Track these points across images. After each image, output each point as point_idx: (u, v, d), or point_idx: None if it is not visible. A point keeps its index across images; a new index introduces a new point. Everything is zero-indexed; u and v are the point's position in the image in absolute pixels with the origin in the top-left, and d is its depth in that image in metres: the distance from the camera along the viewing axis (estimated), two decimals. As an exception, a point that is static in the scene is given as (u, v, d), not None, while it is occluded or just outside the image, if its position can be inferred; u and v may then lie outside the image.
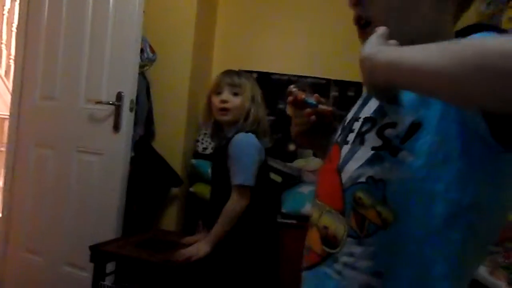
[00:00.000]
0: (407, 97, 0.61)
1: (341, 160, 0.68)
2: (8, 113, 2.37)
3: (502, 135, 0.51)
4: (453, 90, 0.45)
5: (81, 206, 2.04)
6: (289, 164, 2.68)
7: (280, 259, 1.63)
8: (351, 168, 0.64)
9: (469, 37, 0.52)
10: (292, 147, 2.83)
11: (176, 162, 2.38)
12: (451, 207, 0.56)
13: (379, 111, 0.66)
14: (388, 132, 0.61)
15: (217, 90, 1.61)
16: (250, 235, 1.58)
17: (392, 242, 0.59)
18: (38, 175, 2.19)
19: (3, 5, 4.27)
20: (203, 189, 2.30)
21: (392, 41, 0.59)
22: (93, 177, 2.02)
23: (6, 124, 2.47)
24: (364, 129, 0.66)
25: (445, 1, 0.66)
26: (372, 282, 0.60)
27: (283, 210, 2.37)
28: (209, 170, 1.81)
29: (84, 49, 2.08)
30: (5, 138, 2.59)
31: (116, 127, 1.96)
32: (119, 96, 1.96)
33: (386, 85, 0.55)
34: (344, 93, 2.75)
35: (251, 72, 2.84)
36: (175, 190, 2.44)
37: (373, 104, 0.68)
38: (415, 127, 0.59)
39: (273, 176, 2.59)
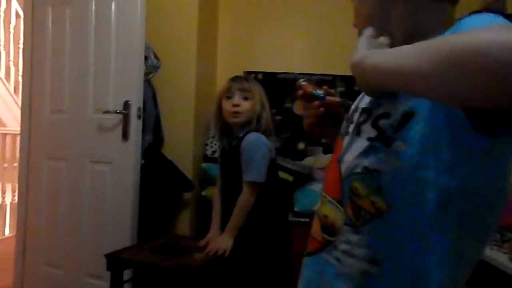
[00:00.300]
0: None
1: (341, 151, 0.70)
2: (19, 129, 2.41)
3: (484, 123, 0.52)
4: (433, 90, 0.46)
5: (96, 215, 2.06)
6: (299, 162, 2.67)
7: (293, 257, 1.64)
8: (349, 158, 0.67)
9: (450, 31, 0.56)
10: (301, 145, 2.82)
11: (186, 167, 2.39)
12: (442, 194, 0.57)
13: (374, 102, 0.67)
14: (382, 122, 0.63)
15: (227, 95, 1.72)
16: (264, 233, 1.66)
17: (386, 230, 0.61)
18: (51, 187, 2.21)
19: (9, 23, 4.34)
20: (214, 193, 2.30)
21: (383, 38, 0.62)
22: (106, 186, 2.04)
23: (18, 139, 2.51)
24: (361, 120, 0.68)
25: (424, 5, 0.69)
26: (370, 269, 0.61)
27: (296, 209, 2.37)
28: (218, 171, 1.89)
29: (90, 61, 2.10)
30: (18, 154, 2.63)
31: (125, 135, 1.98)
32: (126, 105, 1.97)
33: (377, 88, 0.58)
34: (351, 88, 2.73)
35: (256, 73, 2.85)
36: (187, 195, 2.45)
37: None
38: (408, 117, 0.60)
39: (284, 175, 2.59)
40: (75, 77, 2.15)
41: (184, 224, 2.45)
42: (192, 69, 2.45)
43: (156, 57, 2.28)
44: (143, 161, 2.11)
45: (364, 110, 0.69)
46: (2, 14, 4.26)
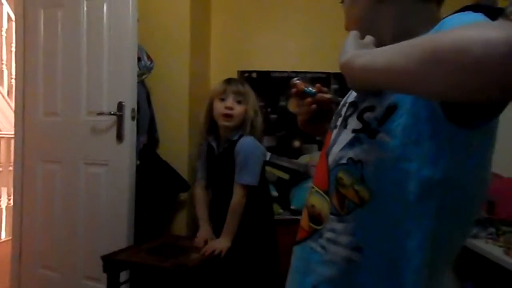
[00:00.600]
0: None
1: (329, 144, 0.73)
2: (13, 132, 2.40)
3: (461, 114, 0.54)
4: (417, 86, 0.48)
5: (92, 217, 2.05)
6: (294, 160, 2.67)
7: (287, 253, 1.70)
8: (335, 150, 0.69)
9: (434, 30, 0.59)
10: (296, 143, 2.83)
11: (182, 167, 2.38)
12: (423, 184, 0.59)
13: (359, 95, 0.70)
14: (367, 115, 0.65)
15: (221, 96, 1.73)
16: (256, 233, 1.70)
17: (369, 218, 0.63)
18: (46, 190, 2.21)
19: (1, 26, 4.32)
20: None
21: (368, 37, 0.65)
22: (101, 188, 2.04)
23: (13, 143, 2.50)
24: (348, 113, 0.71)
25: (411, 7, 0.71)
26: (353, 256, 0.64)
27: (292, 206, 2.37)
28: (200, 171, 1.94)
29: (82, 63, 2.09)
30: (12, 157, 2.62)
31: (119, 137, 1.98)
32: (120, 106, 1.97)
33: (365, 86, 0.61)
34: (344, 85, 2.72)
35: (250, 72, 2.85)
36: (183, 195, 2.44)
37: None
38: (391, 110, 0.62)
39: (280, 173, 2.60)
40: (68, 80, 2.14)
41: (180, 224, 2.44)
42: (185, 69, 2.45)
43: (149, 58, 2.28)
44: (138, 162, 2.10)
45: (351, 103, 0.71)
46: (-6, 18, 4.23)
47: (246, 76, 2.84)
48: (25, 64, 2.29)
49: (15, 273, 2.28)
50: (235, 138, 1.72)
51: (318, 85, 0.85)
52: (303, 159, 2.72)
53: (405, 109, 0.60)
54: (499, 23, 0.44)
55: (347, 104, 0.73)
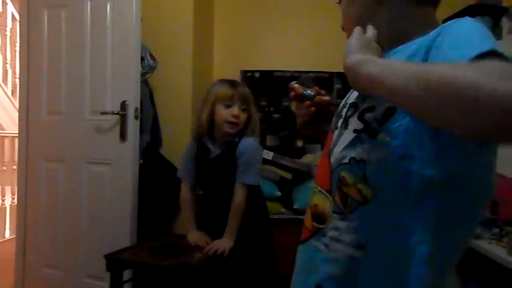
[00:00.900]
0: None
1: (331, 144, 0.74)
2: (17, 131, 2.41)
3: None
4: (416, 111, 0.52)
5: (95, 216, 2.06)
6: (297, 160, 2.67)
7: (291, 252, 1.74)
8: (337, 150, 0.71)
9: (433, 33, 0.61)
10: (299, 143, 2.83)
11: (185, 166, 2.38)
12: (425, 184, 0.61)
13: (360, 96, 0.71)
14: (368, 116, 0.67)
15: (227, 103, 1.69)
16: (257, 232, 1.72)
17: (372, 216, 0.65)
18: (50, 189, 2.22)
19: (5, 26, 4.34)
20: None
21: (370, 29, 0.68)
22: (104, 187, 2.04)
23: (17, 142, 2.51)
24: (348, 114, 0.72)
25: (407, 10, 0.72)
26: (355, 253, 0.66)
27: (295, 206, 2.37)
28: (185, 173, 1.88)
29: (86, 62, 2.10)
30: (16, 156, 2.63)
31: (123, 136, 1.98)
32: (124, 105, 1.98)
33: (366, 91, 0.63)
34: (347, 85, 2.72)
35: (253, 71, 2.85)
36: (186, 195, 2.45)
37: None
38: (392, 111, 0.63)
39: (283, 173, 2.59)
40: (72, 79, 2.15)
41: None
42: (188, 69, 2.45)
43: (152, 57, 2.28)
44: (141, 161, 2.11)
45: (352, 104, 0.72)
46: (-2, 17, 4.25)
47: (249, 76, 2.84)
48: (29, 64, 2.30)
49: (19, 271, 2.29)
50: (236, 140, 1.71)
51: (316, 87, 0.87)
52: (306, 158, 2.72)
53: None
54: (510, 70, 0.44)
55: (347, 105, 0.74)
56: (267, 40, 2.90)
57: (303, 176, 2.54)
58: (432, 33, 0.62)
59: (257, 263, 1.67)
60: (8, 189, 3.56)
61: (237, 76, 2.80)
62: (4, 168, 3.55)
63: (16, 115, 3.06)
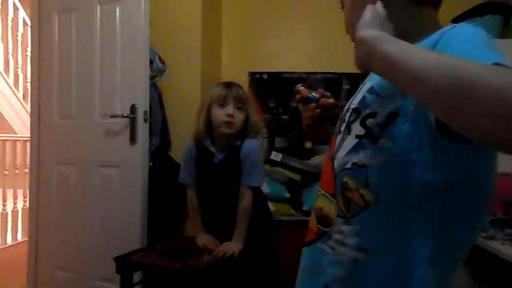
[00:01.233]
0: (386, 89, 0.66)
1: (334, 149, 0.75)
2: (29, 135, 2.44)
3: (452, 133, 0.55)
4: (434, 105, 0.51)
5: (105, 219, 2.08)
6: (306, 161, 2.67)
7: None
8: (340, 155, 0.72)
9: (435, 37, 0.61)
10: (308, 144, 2.82)
11: (194, 169, 2.39)
12: (425, 187, 0.62)
13: (362, 101, 0.71)
14: (369, 121, 0.68)
15: (221, 103, 1.69)
16: (262, 233, 1.73)
17: (374, 220, 0.66)
18: (61, 192, 2.24)
19: (17, 31, 4.40)
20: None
21: (379, 6, 0.66)
22: (114, 189, 2.06)
23: (28, 145, 2.54)
24: (351, 119, 0.73)
25: (407, 11, 0.73)
26: (359, 256, 0.67)
27: (304, 208, 2.36)
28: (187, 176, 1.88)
29: (96, 66, 2.12)
30: (28, 160, 2.66)
31: (132, 138, 2.00)
32: (133, 109, 1.99)
33: (373, 69, 0.61)
34: (356, 86, 2.70)
35: (261, 73, 2.85)
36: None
37: (359, 95, 0.74)
38: (393, 116, 0.64)
39: (291, 174, 2.59)
40: (82, 83, 2.17)
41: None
42: (197, 71, 2.46)
43: (161, 60, 2.30)
44: (151, 164, 2.12)
45: (354, 110, 0.73)
46: (10, 23, 4.32)
47: (257, 77, 2.85)
48: (40, 68, 2.33)
49: (31, 274, 2.32)
50: (238, 143, 1.71)
51: (320, 90, 0.89)
52: (315, 160, 2.71)
53: (407, 116, 0.63)
54: None
55: (350, 110, 0.75)
56: (275, 41, 2.90)
57: (312, 177, 2.53)
58: (435, 35, 0.63)
59: (261, 263, 1.67)
60: (20, 192, 3.61)
61: (245, 78, 2.81)
62: (17, 171, 3.60)
63: (27, 119, 3.10)
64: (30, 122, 2.39)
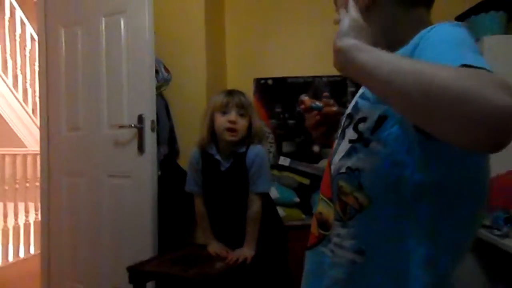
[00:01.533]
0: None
1: (332, 154, 0.77)
2: (39, 148, 2.47)
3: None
4: (410, 113, 0.53)
5: (116, 229, 2.09)
6: (315, 165, 2.66)
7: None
8: (336, 160, 0.73)
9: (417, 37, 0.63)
10: (316, 148, 2.81)
11: (202, 176, 2.39)
12: (416, 188, 0.63)
13: (355, 107, 0.73)
14: (361, 126, 0.69)
15: (223, 110, 1.69)
16: (274, 237, 1.74)
17: (369, 223, 0.67)
18: (72, 204, 2.26)
19: (25, 46, 4.47)
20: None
21: (357, 16, 0.68)
22: (124, 199, 2.07)
23: (38, 158, 2.57)
24: (345, 124, 0.75)
25: (399, 14, 0.74)
26: (356, 258, 0.68)
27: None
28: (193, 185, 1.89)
29: (102, 78, 2.15)
30: (38, 173, 2.69)
31: (141, 148, 2.01)
32: (140, 119, 2.00)
33: (353, 78, 0.64)
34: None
35: (266, 79, 2.86)
36: (205, 204, 2.45)
37: (353, 100, 0.75)
38: (382, 120, 0.66)
39: (300, 179, 2.59)
40: (89, 95, 2.20)
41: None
42: (202, 79, 2.48)
43: (166, 70, 2.31)
44: (159, 173, 2.13)
45: (348, 115, 0.75)
46: (18, 39, 4.39)
47: (262, 83, 2.85)
48: (48, 82, 2.36)
49: (45, 286, 2.33)
50: (243, 150, 1.71)
51: (324, 99, 0.91)
52: (323, 163, 2.70)
53: (395, 119, 0.64)
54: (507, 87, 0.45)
55: (345, 116, 0.77)
56: (279, 47, 2.90)
57: (321, 181, 2.53)
58: (413, 42, 0.64)
59: (273, 268, 1.67)
60: (31, 206, 3.64)
61: (250, 85, 2.82)
62: (27, 185, 3.64)
63: (37, 133, 3.14)
64: (40, 136, 2.42)
